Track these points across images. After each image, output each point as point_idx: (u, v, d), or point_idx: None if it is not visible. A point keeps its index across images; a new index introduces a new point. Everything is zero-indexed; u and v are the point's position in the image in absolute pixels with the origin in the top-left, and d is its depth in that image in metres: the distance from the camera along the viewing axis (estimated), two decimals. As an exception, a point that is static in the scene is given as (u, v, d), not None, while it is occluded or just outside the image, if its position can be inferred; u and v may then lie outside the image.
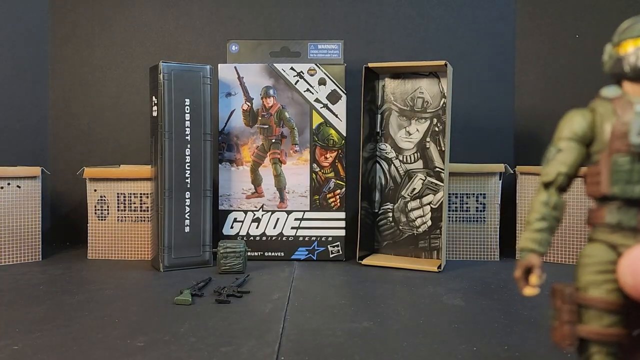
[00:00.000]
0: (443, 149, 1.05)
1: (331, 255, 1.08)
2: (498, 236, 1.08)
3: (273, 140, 1.08)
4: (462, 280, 0.92)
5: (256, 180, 1.08)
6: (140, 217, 1.07)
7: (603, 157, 0.36)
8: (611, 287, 0.35)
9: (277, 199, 1.08)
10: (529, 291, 0.38)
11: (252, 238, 1.08)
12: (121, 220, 1.08)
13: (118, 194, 1.07)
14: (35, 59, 1.23)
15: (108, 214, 1.07)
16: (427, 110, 1.06)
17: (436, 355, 0.57)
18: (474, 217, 1.08)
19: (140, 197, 1.07)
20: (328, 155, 1.08)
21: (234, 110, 1.08)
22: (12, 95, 1.21)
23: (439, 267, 0.99)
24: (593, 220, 0.38)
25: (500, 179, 1.08)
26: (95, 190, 1.07)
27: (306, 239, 1.08)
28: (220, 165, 1.08)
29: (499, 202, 1.08)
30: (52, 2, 1.24)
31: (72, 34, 1.25)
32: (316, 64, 1.07)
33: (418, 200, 1.07)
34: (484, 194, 1.08)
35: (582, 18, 1.21)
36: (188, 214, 0.99)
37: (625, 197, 0.36)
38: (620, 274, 0.33)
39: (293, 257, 1.08)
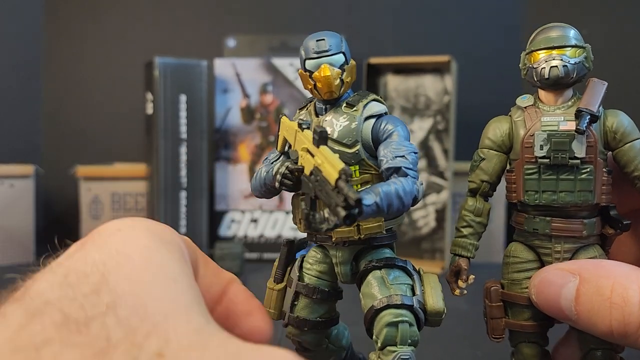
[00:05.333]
0: (447, 147, 1.02)
1: (331, 257, 1.05)
2: (504, 238, 1.04)
3: (272, 139, 1.05)
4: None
5: (254, 180, 1.06)
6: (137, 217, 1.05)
7: (517, 166, 0.39)
8: None
9: (276, 199, 1.05)
10: (457, 292, 0.41)
11: (250, 239, 1.05)
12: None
13: (113, 193, 1.05)
14: (28, 55, 1.21)
15: (102, 213, 1.05)
16: (431, 108, 1.03)
17: (439, 361, 0.55)
18: (478, 218, 1.05)
19: (136, 197, 1.04)
20: (328, 154, 1.05)
21: (230, 107, 1.05)
22: (4, 93, 1.18)
23: (443, 269, 0.96)
24: (514, 223, 0.41)
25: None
26: (89, 190, 1.05)
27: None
28: (216, 163, 1.05)
29: (505, 203, 1.05)
30: (47, -3, 1.22)
31: (65, 29, 1.22)
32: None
33: (421, 200, 1.04)
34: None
35: (590, 12, 1.18)
36: (184, 214, 0.96)
37: (538, 205, 0.38)
38: (529, 290, 0.38)
39: (292, 258, 1.05)
